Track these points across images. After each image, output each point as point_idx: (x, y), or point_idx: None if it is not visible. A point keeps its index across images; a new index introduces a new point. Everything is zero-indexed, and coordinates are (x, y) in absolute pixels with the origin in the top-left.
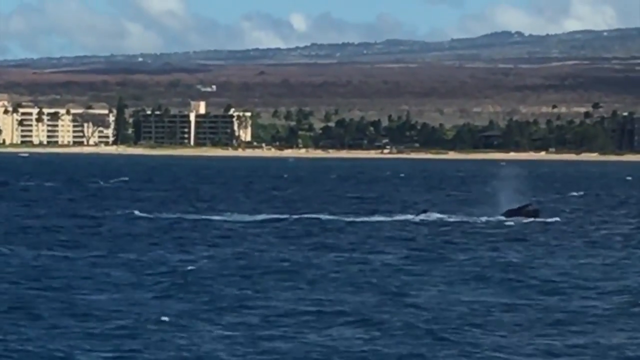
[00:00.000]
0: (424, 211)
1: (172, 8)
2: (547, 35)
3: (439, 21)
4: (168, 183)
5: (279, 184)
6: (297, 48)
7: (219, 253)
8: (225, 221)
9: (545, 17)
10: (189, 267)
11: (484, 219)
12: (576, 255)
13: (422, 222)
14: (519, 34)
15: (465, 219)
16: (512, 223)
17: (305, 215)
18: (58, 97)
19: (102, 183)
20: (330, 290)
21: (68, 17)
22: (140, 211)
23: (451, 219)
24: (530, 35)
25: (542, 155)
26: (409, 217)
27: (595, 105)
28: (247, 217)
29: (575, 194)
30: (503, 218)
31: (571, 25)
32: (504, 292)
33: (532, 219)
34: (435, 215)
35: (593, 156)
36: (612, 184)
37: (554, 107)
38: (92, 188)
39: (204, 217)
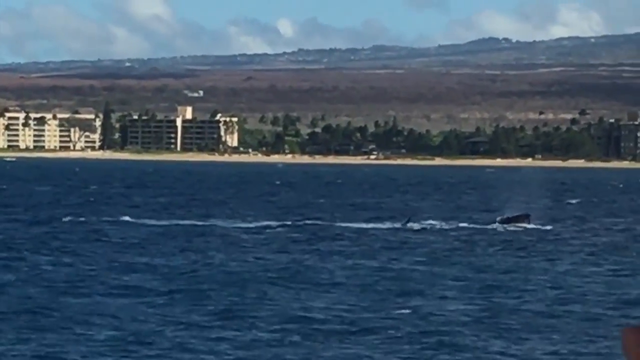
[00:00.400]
0: (409, 220)
1: (159, 13)
2: (534, 41)
3: (426, 27)
4: (163, 189)
5: (273, 190)
6: (284, 54)
7: (222, 259)
8: (224, 227)
9: (533, 24)
10: (192, 274)
11: (480, 225)
12: (577, 264)
13: (419, 229)
14: (506, 40)
15: (462, 225)
16: (509, 229)
17: (304, 222)
18: (45, 101)
19: (95, 187)
20: (333, 296)
21: (55, 22)
22: (139, 217)
23: (448, 226)
24: (518, 42)
25: (528, 161)
26: (407, 223)
27: (582, 112)
28: (246, 223)
29: (572, 201)
30: (498, 225)
31: (558, 31)
32: (506, 299)
33: (525, 226)
34: (429, 222)
35: (579, 163)
36: (606, 191)
37: (541, 113)
38: (87, 193)
39: (202, 223)
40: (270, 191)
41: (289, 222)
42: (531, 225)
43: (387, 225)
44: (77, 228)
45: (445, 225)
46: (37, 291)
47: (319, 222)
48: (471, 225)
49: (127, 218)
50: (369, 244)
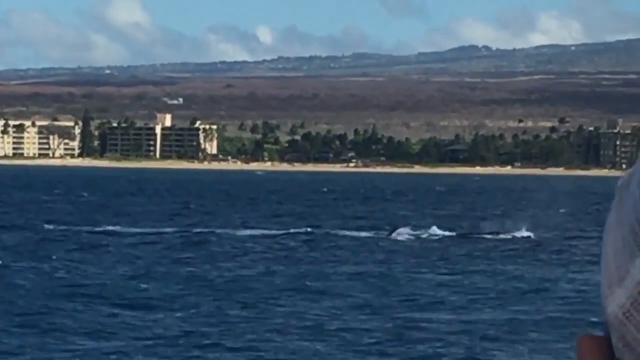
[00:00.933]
0: (394, 230)
1: (139, 20)
2: (514, 49)
3: (405, 35)
4: (151, 197)
5: (262, 198)
6: (264, 61)
7: (221, 267)
8: (221, 235)
9: (512, 32)
10: (192, 282)
11: (473, 234)
12: (576, 272)
13: (419, 238)
14: (486, 48)
15: (455, 233)
16: (503, 239)
17: (301, 230)
18: (24, 109)
19: (86, 195)
20: (335, 305)
21: (34, 29)
22: (134, 225)
23: (443, 234)
24: (497, 50)
25: (507, 169)
26: (392, 232)
27: (562, 120)
28: (241, 231)
29: (562, 210)
30: (490, 234)
31: (538, 39)
32: (508, 307)
33: (514, 235)
34: (422, 230)
35: (559, 171)
36: (592, 200)
37: (520, 121)
38: (81, 201)
39: (198, 230)
40: (258, 199)
41: (286, 230)
42: (525, 234)
43: (384, 233)
44: (73, 237)
45: (440, 234)
46: (34, 300)
47: (315, 230)
48: (463, 234)
49: (120, 227)
50: (368, 252)
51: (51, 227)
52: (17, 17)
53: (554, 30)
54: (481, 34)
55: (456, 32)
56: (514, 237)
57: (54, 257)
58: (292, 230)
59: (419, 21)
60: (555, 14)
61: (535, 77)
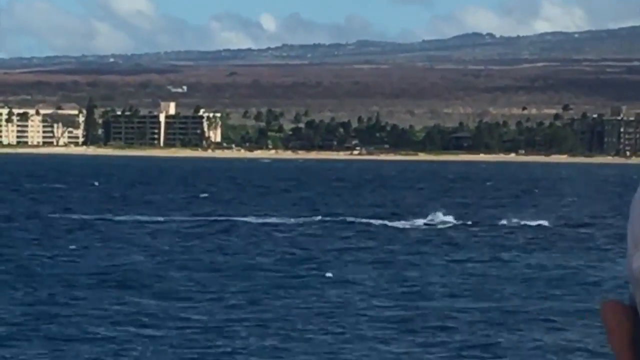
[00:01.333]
0: (410, 217)
1: (142, 9)
2: (518, 36)
3: (409, 22)
4: (166, 185)
5: (275, 186)
6: (268, 49)
7: (248, 256)
8: (244, 223)
9: (516, 19)
10: (215, 271)
11: (489, 222)
12: (602, 260)
13: (440, 227)
14: (490, 35)
15: (472, 221)
16: (523, 227)
17: (323, 217)
18: (28, 97)
19: (97, 184)
20: (359, 296)
21: (38, 18)
22: (153, 215)
23: (458, 222)
24: (501, 37)
25: (511, 156)
26: (422, 221)
27: (565, 107)
28: (259, 220)
29: (574, 198)
30: (509, 222)
31: (542, 26)
32: (535, 296)
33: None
34: (444, 218)
35: (562, 158)
36: (600, 188)
37: (524, 108)
38: (92, 190)
39: (219, 218)
40: (269, 187)
41: (301, 218)
42: (539, 222)
43: (398, 221)
44: (89, 226)
45: (453, 222)
46: (53, 289)
47: (330, 217)
48: (482, 222)
49: (134, 215)
50: (382, 240)
51: (66, 216)
52: (22, 5)
53: (558, 18)
54: (485, 21)
55: (460, 20)
56: (527, 225)
57: (72, 247)
58: (306, 218)
59: (423, 9)
60: (558, 1)
61: (539, 64)
